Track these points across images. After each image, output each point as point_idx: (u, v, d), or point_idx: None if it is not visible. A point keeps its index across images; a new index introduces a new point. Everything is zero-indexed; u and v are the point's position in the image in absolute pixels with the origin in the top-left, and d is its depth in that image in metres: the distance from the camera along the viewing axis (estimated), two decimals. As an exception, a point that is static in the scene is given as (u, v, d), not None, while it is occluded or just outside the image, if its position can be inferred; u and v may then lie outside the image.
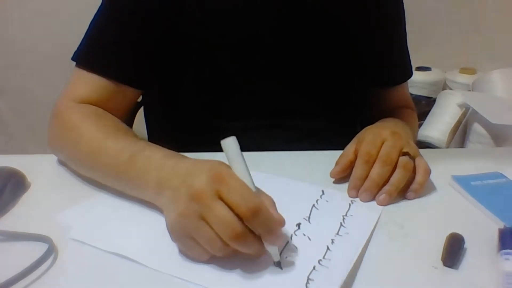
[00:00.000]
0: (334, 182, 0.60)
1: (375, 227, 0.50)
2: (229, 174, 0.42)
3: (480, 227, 0.50)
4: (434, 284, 0.42)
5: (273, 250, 0.42)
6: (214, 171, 0.42)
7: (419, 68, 1.84)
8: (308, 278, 0.41)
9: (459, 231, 0.48)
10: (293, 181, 0.60)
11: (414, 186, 0.57)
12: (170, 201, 0.45)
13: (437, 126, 1.62)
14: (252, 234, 0.41)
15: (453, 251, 0.45)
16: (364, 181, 0.56)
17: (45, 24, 1.65)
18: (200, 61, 0.68)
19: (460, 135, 1.58)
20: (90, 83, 0.64)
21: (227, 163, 0.43)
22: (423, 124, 1.68)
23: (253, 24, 0.68)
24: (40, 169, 0.62)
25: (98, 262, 0.44)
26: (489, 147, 1.39)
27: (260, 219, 0.40)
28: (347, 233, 0.49)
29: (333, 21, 0.71)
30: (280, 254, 0.44)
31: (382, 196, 0.55)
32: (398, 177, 0.56)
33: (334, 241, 0.47)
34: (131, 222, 0.51)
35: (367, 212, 0.53)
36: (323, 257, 0.45)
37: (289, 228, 0.48)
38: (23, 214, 0.53)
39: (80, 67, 0.64)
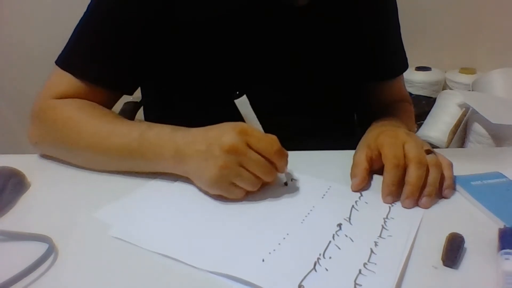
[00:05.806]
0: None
1: (418, 230, 0.50)
2: (249, 127, 0.53)
3: (480, 227, 0.50)
4: (434, 284, 0.42)
5: (282, 175, 0.57)
6: (238, 127, 0.52)
7: (419, 68, 1.84)
8: (356, 283, 0.41)
9: (459, 231, 0.48)
10: (329, 182, 0.59)
11: (448, 182, 0.56)
12: (200, 162, 0.52)
13: (437, 126, 1.62)
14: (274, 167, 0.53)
15: (453, 251, 0.45)
16: (397, 186, 0.55)
17: (45, 24, 1.65)
18: (191, 64, 0.68)
19: (460, 135, 1.58)
20: (69, 82, 0.65)
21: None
22: (423, 124, 1.68)
23: (244, 25, 0.67)
24: (40, 169, 0.62)
25: (98, 262, 0.44)
26: (489, 147, 1.39)
27: (280, 156, 0.53)
28: (391, 236, 0.48)
29: (327, 17, 0.71)
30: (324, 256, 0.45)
31: (424, 198, 0.54)
32: (434, 176, 0.55)
33: (377, 244, 0.47)
34: (172, 220, 0.51)
35: (409, 215, 0.52)
36: (368, 261, 0.44)
37: (330, 227, 0.49)
38: (23, 214, 0.53)
39: (60, 68, 0.65)
